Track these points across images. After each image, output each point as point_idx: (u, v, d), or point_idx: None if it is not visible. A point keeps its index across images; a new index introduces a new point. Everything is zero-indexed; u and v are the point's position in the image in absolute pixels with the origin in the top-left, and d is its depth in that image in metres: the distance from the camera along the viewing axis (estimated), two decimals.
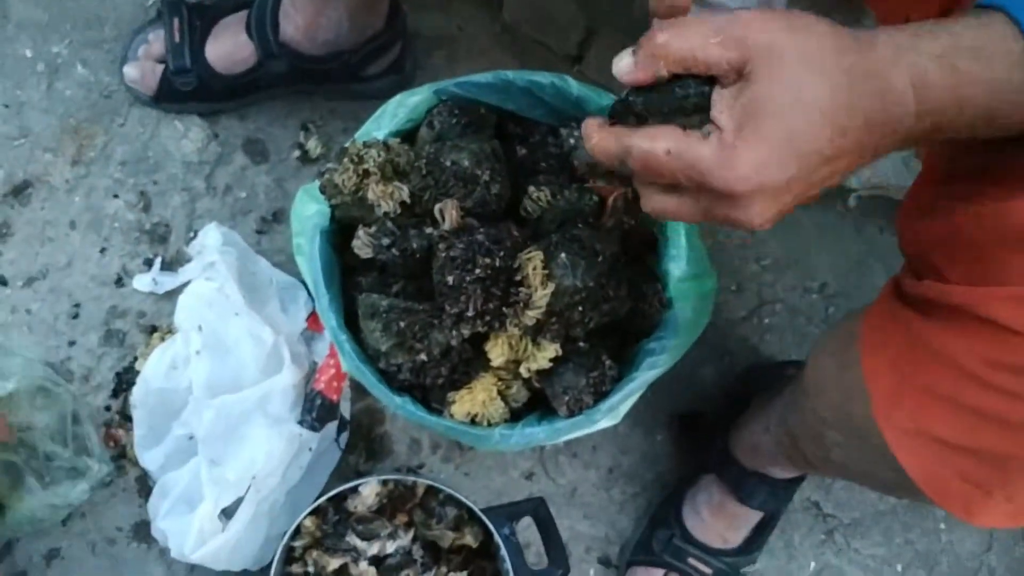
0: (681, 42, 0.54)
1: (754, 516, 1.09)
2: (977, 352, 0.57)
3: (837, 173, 0.55)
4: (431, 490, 1.05)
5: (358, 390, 1.12)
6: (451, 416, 0.86)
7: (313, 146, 1.21)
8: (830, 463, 0.87)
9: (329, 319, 0.86)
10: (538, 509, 1.02)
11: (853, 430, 0.74)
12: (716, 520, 1.09)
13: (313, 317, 1.12)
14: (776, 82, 0.51)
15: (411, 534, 1.04)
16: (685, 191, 0.56)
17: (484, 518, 1.00)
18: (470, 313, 0.78)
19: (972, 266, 0.58)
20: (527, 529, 1.06)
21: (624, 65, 0.56)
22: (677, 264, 0.89)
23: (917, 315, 0.62)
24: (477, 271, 0.77)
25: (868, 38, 0.53)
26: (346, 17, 1.08)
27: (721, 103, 0.53)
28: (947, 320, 0.59)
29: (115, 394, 1.14)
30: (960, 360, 0.58)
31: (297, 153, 1.21)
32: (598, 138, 0.59)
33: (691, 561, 1.10)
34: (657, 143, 0.55)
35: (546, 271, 0.78)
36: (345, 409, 1.11)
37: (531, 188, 0.85)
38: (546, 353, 0.83)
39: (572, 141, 0.91)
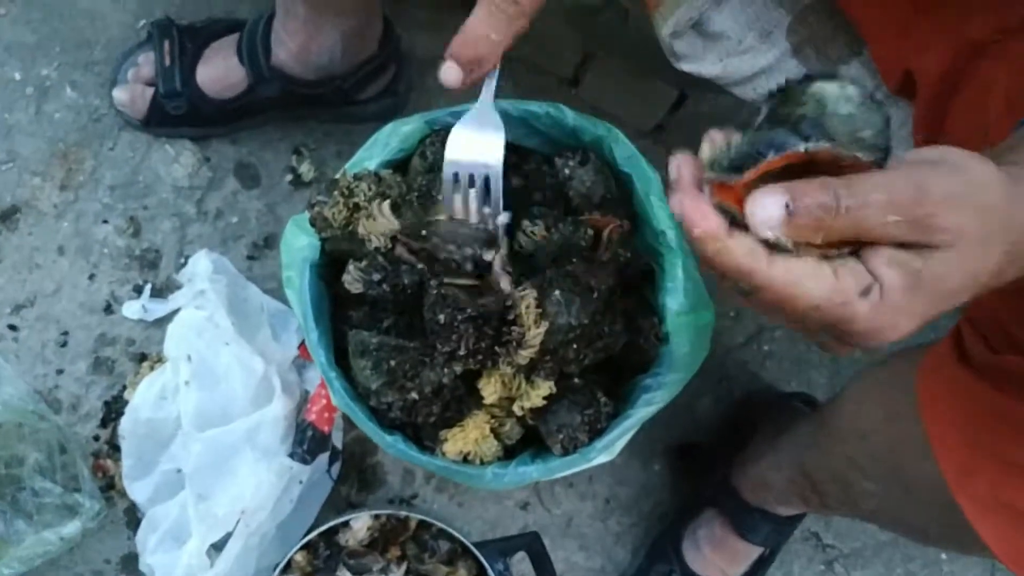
0: (849, 218, 0.43)
1: (755, 551, 1.07)
2: None
3: None
4: (424, 523, 1.03)
5: (350, 420, 1.10)
6: (443, 455, 0.84)
7: (306, 170, 1.19)
8: (856, 508, 0.84)
9: (319, 355, 0.84)
10: (532, 544, 1.01)
11: (899, 482, 0.72)
12: (716, 555, 1.07)
13: (305, 345, 1.10)
14: (959, 265, 0.45)
15: (404, 568, 1.02)
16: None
17: (477, 553, 0.98)
18: (462, 352, 0.76)
19: None
20: (521, 562, 1.04)
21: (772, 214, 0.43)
22: (674, 297, 0.87)
23: (991, 387, 0.60)
24: (469, 310, 0.75)
25: None
26: (339, 42, 1.06)
27: (886, 256, 0.45)
28: None
29: (104, 424, 1.12)
30: None
31: (289, 177, 1.19)
32: (719, 247, 0.44)
33: None
34: (802, 290, 0.44)
35: (539, 309, 0.76)
36: (337, 439, 1.09)
37: (525, 222, 0.83)
38: (540, 391, 0.81)
39: (567, 171, 0.90)
